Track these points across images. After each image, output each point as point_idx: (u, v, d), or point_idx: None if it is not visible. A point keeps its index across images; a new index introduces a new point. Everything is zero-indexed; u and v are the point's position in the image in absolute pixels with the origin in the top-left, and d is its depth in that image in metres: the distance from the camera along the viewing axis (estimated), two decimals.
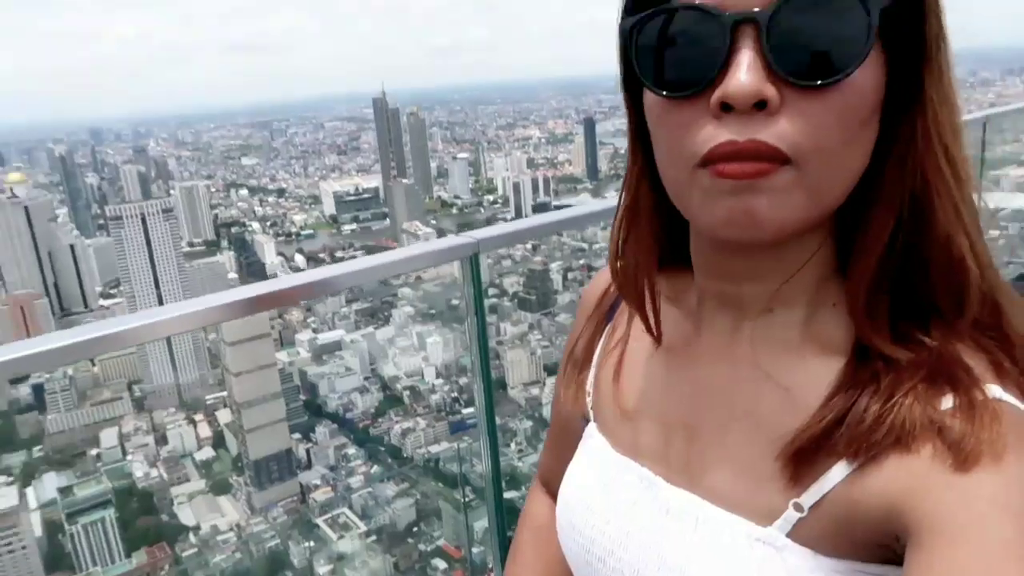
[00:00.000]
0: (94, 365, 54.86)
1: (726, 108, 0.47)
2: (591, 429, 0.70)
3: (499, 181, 78.77)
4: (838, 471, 0.49)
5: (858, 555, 0.49)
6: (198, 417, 37.60)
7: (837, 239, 0.54)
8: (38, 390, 49.40)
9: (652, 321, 0.63)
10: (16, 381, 57.00)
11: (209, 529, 38.60)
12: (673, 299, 0.64)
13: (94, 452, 38.14)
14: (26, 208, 74.05)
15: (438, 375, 46.75)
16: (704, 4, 0.47)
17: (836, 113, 0.46)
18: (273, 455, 36.96)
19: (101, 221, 77.47)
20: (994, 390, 0.48)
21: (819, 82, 0.45)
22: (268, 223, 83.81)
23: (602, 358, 0.71)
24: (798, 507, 0.51)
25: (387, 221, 76.65)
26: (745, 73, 0.45)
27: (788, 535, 0.51)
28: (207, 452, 39.68)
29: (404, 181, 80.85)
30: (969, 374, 0.48)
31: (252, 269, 73.01)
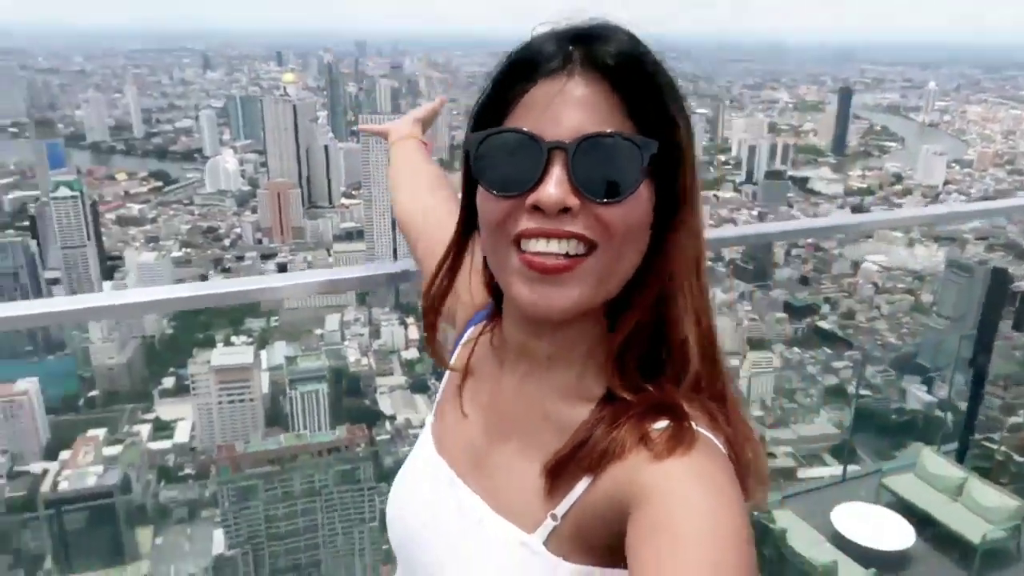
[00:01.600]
0: (330, 255, 60.59)
1: (537, 209, 0.64)
2: (427, 424, 0.88)
3: (735, 142, 75.29)
4: (582, 485, 0.66)
5: (602, 560, 0.64)
6: (410, 320, 40.27)
7: (608, 314, 0.71)
8: (282, 267, 55.66)
9: (436, 352, 0.84)
10: (266, 257, 64.31)
11: (403, 421, 41.92)
12: (498, 340, 0.81)
13: (318, 332, 42.51)
14: (294, 107, 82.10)
15: None
16: (529, 131, 0.64)
17: (620, 219, 0.64)
18: None
19: (354, 128, 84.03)
20: (698, 426, 0.64)
21: (605, 200, 0.63)
22: None
23: (454, 364, 0.88)
24: (554, 517, 0.66)
25: None
26: (554, 187, 0.63)
27: (544, 542, 0.67)
28: (412, 353, 42.78)
29: None
30: (681, 413, 0.65)
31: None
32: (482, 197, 0.69)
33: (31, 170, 73.14)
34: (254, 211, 70.22)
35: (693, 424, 0.64)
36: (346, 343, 40.66)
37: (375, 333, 37.36)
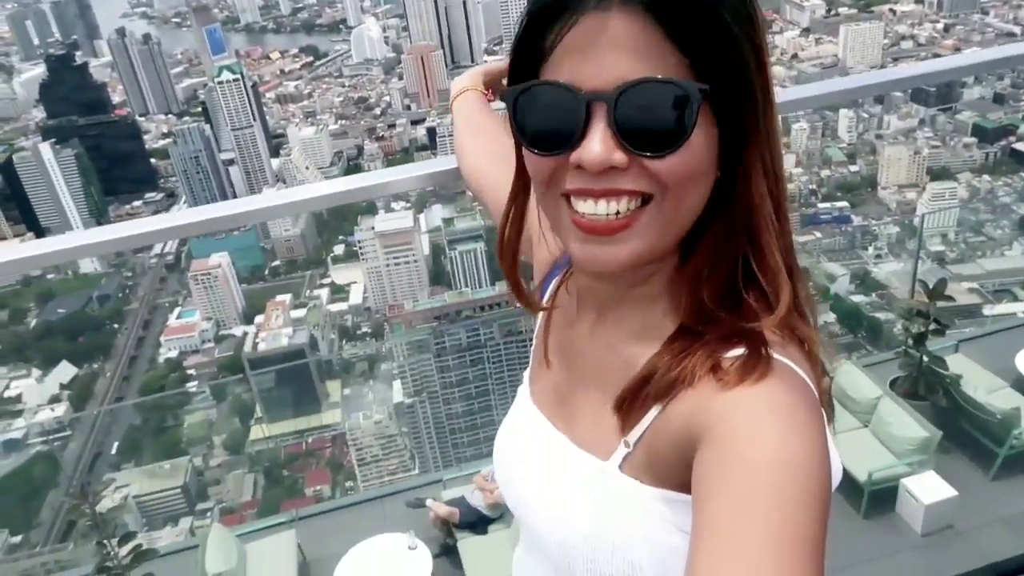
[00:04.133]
0: None
1: (582, 167, 0.59)
2: (525, 377, 0.87)
3: None
4: (653, 412, 0.65)
5: (672, 484, 0.63)
6: None
7: (681, 250, 0.67)
8: (431, 132, 56.52)
9: (522, 297, 0.79)
10: (416, 122, 65.02)
11: None
12: (572, 286, 0.79)
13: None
14: None
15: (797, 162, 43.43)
16: (565, 82, 0.58)
17: (673, 170, 0.58)
18: None
19: None
20: (777, 353, 0.60)
21: (654, 153, 0.57)
22: None
23: (544, 319, 0.86)
24: (626, 444, 0.66)
25: None
26: (597, 144, 0.57)
27: (620, 467, 0.67)
28: None
29: None
30: (759, 340, 0.61)
31: None
32: (526, 154, 0.64)
33: (196, 57, 77.34)
34: (400, 77, 70.88)
35: (771, 351, 0.60)
36: None
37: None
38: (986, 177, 40.25)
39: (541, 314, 0.85)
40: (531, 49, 0.61)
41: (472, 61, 76.34)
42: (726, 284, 0.65)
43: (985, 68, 1.81)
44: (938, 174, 41.07)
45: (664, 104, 0.56)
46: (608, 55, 0.57)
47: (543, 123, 0.61)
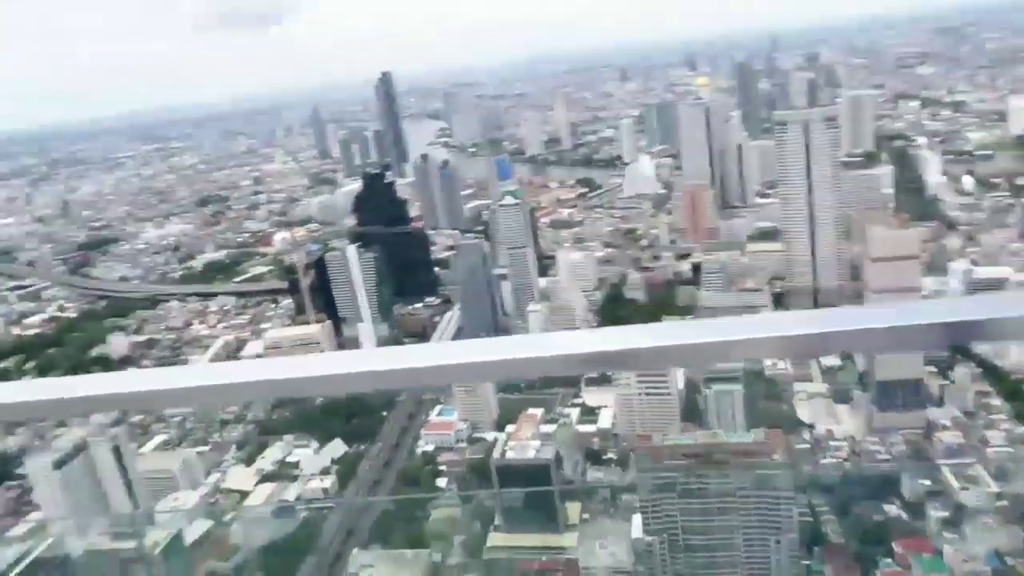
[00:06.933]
0: (743, 255, 59.65)
1: None
2: None
3: None
4: None
5: None
6: None
7: None
8: (696, 268, 56.54)
9: None
10: (681, 257, 65.55)
11: (824, 432, 39.31)
12: None
13: None
14: (706, 109, 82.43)
15: None
16: None
17: None
18: (901, 381, 35.25)
19: (767, 125, 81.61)
20: None
21: None
22: (938, 139, 76.57)
23: None
24: None
25: None
26: None
27: None
28: (834, 359, 39.90)
29: None
30: None
31: (911, 186, 68.22)
32: None
33: (484, 182, 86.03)
34: (669, 213, 72.42)
35: None
36: None
37: None
38: None
39: None
40: None
41: (744, 203, 76.10)
42: None
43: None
44: None
45: None
46: None
47: None
